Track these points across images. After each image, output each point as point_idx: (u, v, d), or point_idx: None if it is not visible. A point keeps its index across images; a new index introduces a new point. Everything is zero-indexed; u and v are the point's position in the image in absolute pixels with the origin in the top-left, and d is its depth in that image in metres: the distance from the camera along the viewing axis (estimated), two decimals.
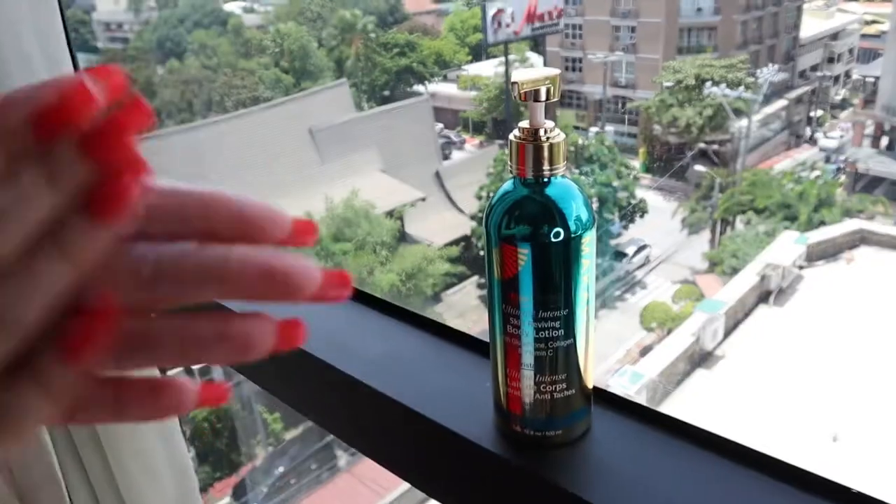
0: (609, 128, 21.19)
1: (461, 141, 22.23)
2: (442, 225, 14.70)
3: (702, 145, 17.19)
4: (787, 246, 10.47)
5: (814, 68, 21.96)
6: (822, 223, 12.75)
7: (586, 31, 22.97)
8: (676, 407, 8.42)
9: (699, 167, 16.61)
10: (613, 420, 0.48)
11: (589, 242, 0.44)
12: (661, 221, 14.62)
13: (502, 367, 0.46)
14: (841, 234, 10.65)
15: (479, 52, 26.97)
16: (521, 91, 0.42)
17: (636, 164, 17.17)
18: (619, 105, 22.19)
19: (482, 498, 0.50)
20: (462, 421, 0.49)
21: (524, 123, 0.43)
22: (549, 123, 0.43)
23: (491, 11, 20.86)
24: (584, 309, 0.45)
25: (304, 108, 15.72)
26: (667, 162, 17.90)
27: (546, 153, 0.43)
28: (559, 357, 0.45)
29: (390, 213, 13.80)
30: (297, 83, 19.83)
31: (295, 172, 13.51)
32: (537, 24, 21.91)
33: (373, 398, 0.54)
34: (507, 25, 21.04)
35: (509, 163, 0.44)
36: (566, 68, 23.24)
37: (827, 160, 16.67)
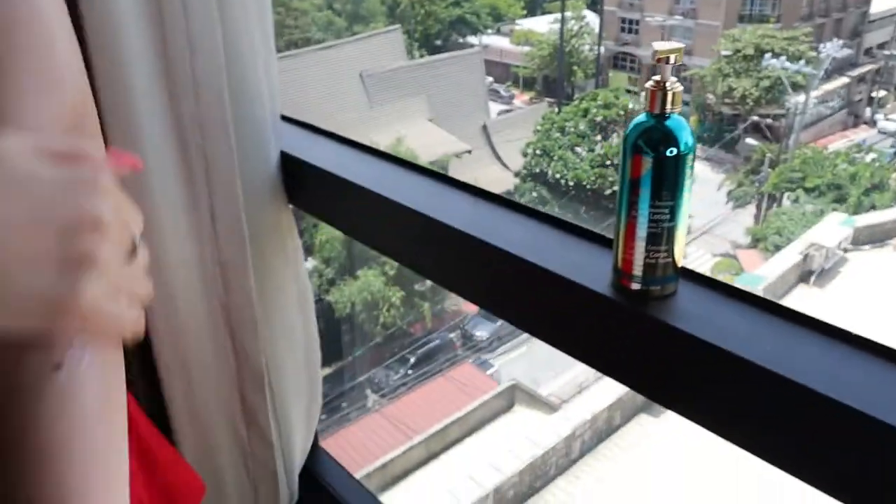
0: None
1: (510, 96, 22.18)
2: (485, 179, 14.83)
3: (755, 118, 16.92)
4: (834, 227, 10.37)
5: (881, 46, 21.26)
6: (873, 207, 12.59)
7: None
8: None
9: (751, 140, 16.40)
10: (693, 287, 0.70)
11: (691, 159, 0.66)
12: (706, 192, 14.58)
13: (623, 239, 0.67)
14: (891, 220, 10.49)
15: (534, 7, 26.63)
16: (658, 56, 0.63)
17: None
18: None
19: (599, 336, 0.73)
20: (587, 279, 0.71)
21: (656, 77, 0.64)
22: (673, 78, 0.64)
23: None
24: (684, 204, 0.66)
25: (356, 52, 15.80)
26: (718, 132, 17.69)
27: (669, 98, 0.64)
28: (664, 234, 0.66)
29: (435, 163, 14.00)
30: (349, 27, 19.91)
31: (342, 115, 13.69)
32: None
33: (517, 265, 0.76)
34: None
35: (643, 102, 0.65)
36: (622, 29, 22.88)
37: None
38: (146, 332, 0.45)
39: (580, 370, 9.84)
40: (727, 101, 17.32)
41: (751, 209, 15.07)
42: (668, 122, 0.65)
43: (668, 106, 0.64)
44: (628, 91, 17.79)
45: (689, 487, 7.13)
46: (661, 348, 0.67)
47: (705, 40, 18.61)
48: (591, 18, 22.19)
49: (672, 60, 0.63)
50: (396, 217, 0.93)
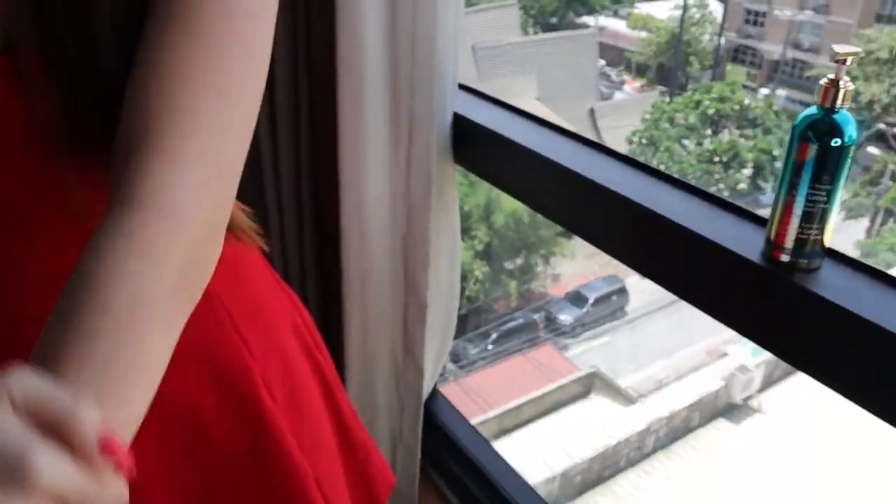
0: (781, 92, 20.06)
1: (620, 81, 21.76)
2: None
3: (882, 126, 16.00)
4: None
5: None
6: None
7: None
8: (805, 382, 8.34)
9: (873, 149, 15.54)
10: (837, 265, 0.78)
11: (852, 151, 0.74)
12: None
13: (780, 213, 0.76)
14: None
15: None
16: (837, 57, 0.72)
17: None
18: (797, 69, 20.90)
19: (747, 301, 0.82)
20: (740, 248, 0.81)
21: (831, 75, 0.73)
22: (846, 78, 0.72)
23: None
24: (839, 189, 0.75)
25: (471, 24, 15.86)
26: None
27: (841, 95, 0.73)
28: (818, 213, 0.74)
29: None
30: None
31: None
32: None
33: (675, 231, 0.87)
34: None
35: (817, 96, 0.74)
36: (746, 21, 21.97)
37: None
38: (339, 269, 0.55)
39: (661, 366, 9.77)
40: (852, 105, 16.41)
41: (864, 222, 14.36)
42: (835, 116, 0.73)
43: (839, 102, 0.73)
44: (745, 86, 17.14)
45: (757, 499, 7.02)
46: (803, 314, 0.76)
47: (836, 39, 17.64)
48: (715, 7, 21.40)
49: (848, 62, 0.72)
50: (557, 178, 1.04)
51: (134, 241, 0.42)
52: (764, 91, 19.80)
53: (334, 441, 0.84)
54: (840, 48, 0.71)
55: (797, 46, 20.80)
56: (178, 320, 0.44)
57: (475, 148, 1.18)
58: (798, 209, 0.75)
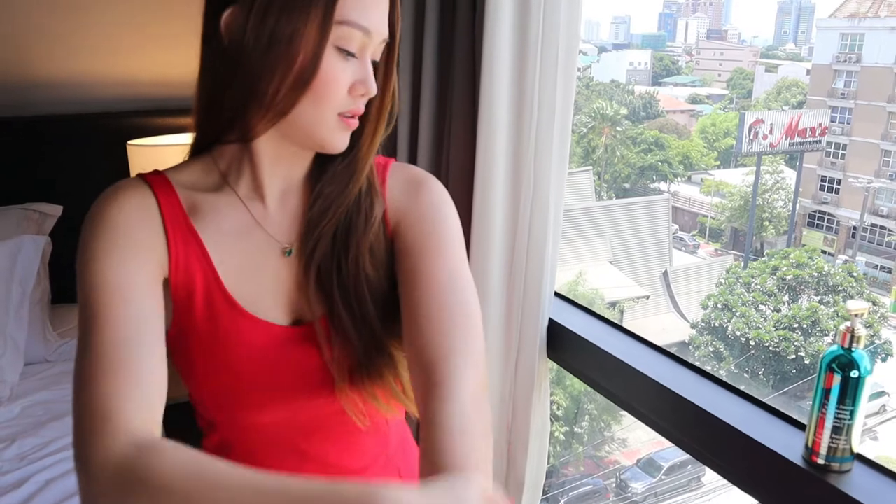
0: (860, 258, 19.85)
1: (695, 245, 22.05)
2: (660, 327, 14.68)
3: None
4: None
5: None
6: None
7: (851, 151, 21.89)
8: None
9: None
10: (866, 469, 0.98)
11: (868, 379, 0.97)
12: None
13: (814, 427, 0.98)
14: None
15: (727, 158, 26.64)
16: (854, 312, 0.96)
17: (887, 301, 15.92)
18: (876, 235, 20.74)
19: (786, 493, 1.02)
20: (782, 449, 1.02)
21: (848, 323, 0.97)
22: (860, 326, 0.96)
23: (749, 120, 20.65)
24: (859, 408, 0.96)
25: None
26: None
27: (856, 339, 0.96)
28: (845, 427, 0.96)
29: (612, 305, 14.14)
30: None
31: None
32: (797, 140, 21.31)
33: (736, 435, 1.09)
34: (764, 137, 20.68)
35: (835, 337, 0.98)
36: (821, 188, 22.20)
37: None
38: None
39: None
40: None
41: None
42: (853, 354, 0.97)
43: (855, 344, 0.97)
44: (823, 252, 17.05)
45: None
46: None
47: None
48: (788, 174, 21.80)
49: (864, 316, 0.96)
50: (635, 380, 1.29)
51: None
52: (843, 257, 19.61)
53: None
54: (854, 305, 0.96)
55: (874, 212, 20.78)
56: None
57: (566, 350, 1.45)
58: (828, 423, 0.97)
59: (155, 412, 0.69)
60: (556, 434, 11.34)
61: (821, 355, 0.99)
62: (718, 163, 26.25)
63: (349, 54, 0.75)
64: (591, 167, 19.47)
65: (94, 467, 0.63)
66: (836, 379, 0.96)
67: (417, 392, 0.73)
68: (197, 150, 0.84)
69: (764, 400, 1.16)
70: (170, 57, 2.33)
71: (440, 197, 0.84)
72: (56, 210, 2.07)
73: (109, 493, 0.62)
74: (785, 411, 1.13)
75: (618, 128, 23.83)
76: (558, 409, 11.35)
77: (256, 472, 0.57)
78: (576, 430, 11.99)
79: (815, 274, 14.13)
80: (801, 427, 1.08)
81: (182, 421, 0.99)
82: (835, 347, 0.98)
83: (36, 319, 1.86)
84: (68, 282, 2.05)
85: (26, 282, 1.82)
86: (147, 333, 0.71)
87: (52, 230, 2.04)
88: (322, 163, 0.84)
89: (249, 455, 0.82)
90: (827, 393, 0.97)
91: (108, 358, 0.68)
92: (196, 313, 0.78)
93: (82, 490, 0.65)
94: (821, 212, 21.96)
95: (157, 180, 0.80)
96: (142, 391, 0.68)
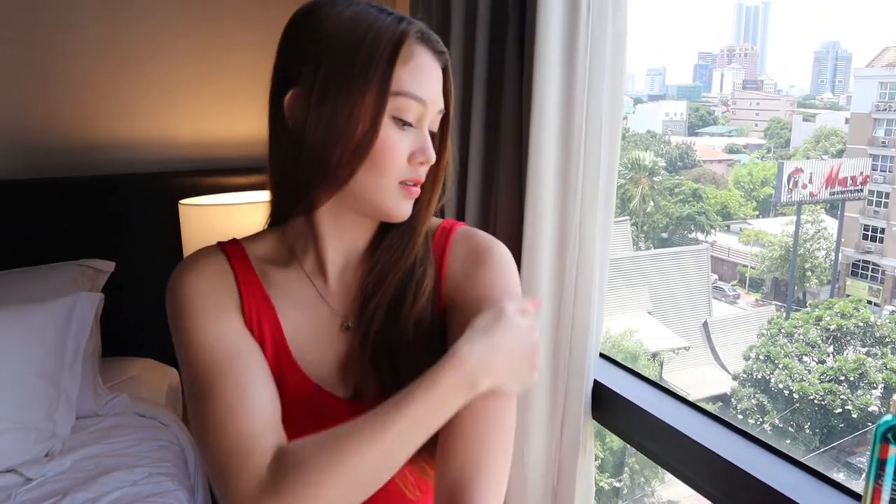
0: None
1: (735, 295, 21.65)
2: (701, 378, 14.37)
3: None
4: None
5: None
6: None
7: (894, 200, 21.50)
8: None
9: None
10: None
11: None
12: None
13: (870, 500, 0.96)
14: None
15: (766, 208, 26.33)
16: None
17: None
18: None
19: None
20: None
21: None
22: None
23: (788, 170, 20.43)
24: None
25: None
26: None
27: None
28: None
29: (654, 356, 13.91)
30: None
31: None
32: (837, 189, 20.98)
33: (781, 501, 1.06)
34: (804, 186, 20.40)
35: (893, 408, 0.96)
36: (864, 237, 21.75)
37: None
38: None
39: None
40: None
41: None
42: None
43: None
44: (869, 302, 16.60)
45: None
46: None
47: None
48: (829, 223, 21.42)
49: None
50: (679, 444, 1.27)
51: None
52: (889, 308, 19.07)
53: None
54: None
55: None
56: None
57: (611, 410, 1.44)
58: (885, 497, 0.95)
59: (282, 436, 0.74)
60: (601, 483, 11.09)
61: (875, 409, 0.98)
62: (757, 212, 25.94)
63: (406, 124, 0.78)
64: (628, 217, 19.39)
65: (246, 491, 0.69)
66: (892, 450, 0.95)
67: None
68: (273, 223, 0.88)
69: (811, 455, 1.14)
70: (222, 118, 2.42)
71: (505, 268, 0.85)
72: (109, 266, 2.14)
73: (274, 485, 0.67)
74: (835, 468, 1.10)
75: (654, 178, 23.77)
76: (596, 461, 11.10)
77: (371, 414, 0.69)
78: (615, 484, 11.71)
79: (861, 325, 13.74)
80: (853, 496, 1.06)
81: None
82: (889, 417, 0.97)
83: (88, 373, 1.90)
84: (118, 336, 2.12)
85: (80, 337, 1.87)
86: (261, 377, 0.76)
87: (104, 286, 2.11)
88: (381, 236, 0.87)
89: None
90: (882, 464, 0.95)
91: (228, 404, 0.73)
92: None
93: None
94: (865, 261, 21.45)
95: (233, 249, 0.85)
96: (267, 424, 0.73)
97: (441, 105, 0.81)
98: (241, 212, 1.96)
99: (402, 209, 0.81)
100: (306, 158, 0.78)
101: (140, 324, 2.05)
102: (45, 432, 1.72)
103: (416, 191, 0.81)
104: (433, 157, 0.80)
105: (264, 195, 0.89)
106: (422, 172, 0.81)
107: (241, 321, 0.81)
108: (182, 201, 2.09)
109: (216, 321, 0.78)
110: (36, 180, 2.19)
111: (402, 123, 0.78)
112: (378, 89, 0.75)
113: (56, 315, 1.85)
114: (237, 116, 2.41)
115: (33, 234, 2.17)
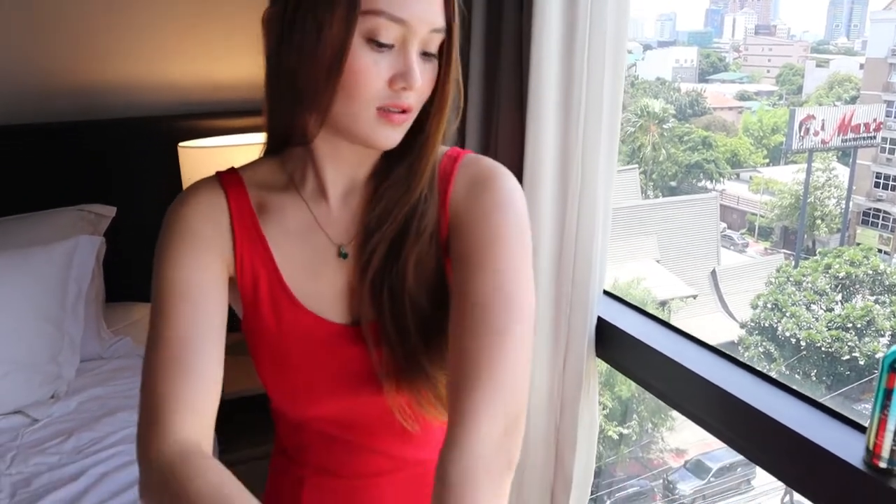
0: None
1: (744, 244, 21.56)
2: (708, 327, 14.41)
3: None
4: None
5: None
6: None
7: None
8: None
9: None
10: None
11: None
12: None
13: (876, 428, 0.94)
14: None
15: (777, 156, 25.97)
16: None
17: None
18: None
19: (846, 496, 0.99)
20: (842, 452, 0.99)
21: None
22: None
23: (799, 117, 20.08)
24: None
25: None
26: None
27: None
28: None
29: (662, 304, 13.93)
30: None
31: None
32: (850, 136, 20.65)
33: (789, 434, 1.05)
34: (816, 133, 20.08)
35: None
36: (875, 185, 21.50)
37: None
38: None
39: None
40: None
41: None
42: None
43: None
44: (879, 250, 16.52)
45: None
46: None
47: None
48: (841, 171, 21.16)
49: None
50: (685, 380, 1.26)
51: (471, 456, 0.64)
52: None
53: None
54: None
55: None
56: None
57: (615, 348, 1.43)
58: (891, 425, 0.94)
59: (207, 414, 0.73)
60: (609, 432, 11.24)
61: (882, 354, 0.96)
62: (767, 160, 25.62)
63: (384, 46, 0.71)
64: (636, 166, 19.19)
65: (145, 464, 0.70)
66: None
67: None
68: (270, 151, 0.86)
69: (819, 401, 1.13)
70: (221, 60, 2.37)
71: (506, 196, 0.79)
72: (110, 211, 2.13)
73: (152, 491, 0.69)
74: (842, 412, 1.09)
75: (664, 126, 23.45)
76: (604, 409, 11.23)
77: None
78: (623, 431, 11.88)
79: (871, 273, 13.70)
80: (859, 429, 1.04)
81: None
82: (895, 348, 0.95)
83: (91, 317, 1.91)
84: (121, 281, 2.12)
85: (82, 280, 1.87)
86: (206, 333, 0.75)
87: (106, 230, 2.10)
88: (388, 164, 0.82)
89: (315, 444, 0.88)
90: (889, 393, 0.94)
91: (167, 356, 0.72)
92: (262, 310, 0.81)
93: (139, 477, 0.72)
94: (876, 209, 21.26)
95: (230, 179, 0.83)
96: (196, 393, 0.72)
97: (437, 24, 0.72)
98: (242, 153, 1.93)
99: (383, 137, 0.74)
100: (284, 86, 0.75)
101: (143, 269, 2.04)
102: (50, 374, 1.73)
103: (402, 117, 0.74)
104: (416, 82, 0.71)
105: (264, 137, 0.86)
106: (404, 98, 0.73)
107: (219, 264, 0.79)
108: (182, 144, 2.06)
109: (188, 256, 0.77)
110: (33, 125, 2.16)
111: (379, 45, 0.70)
112: (346, 8, 0.68)
113: (57, 258, 1.84)
114: (236, 57, 2.36)
115: (32, 179, 2.15)
